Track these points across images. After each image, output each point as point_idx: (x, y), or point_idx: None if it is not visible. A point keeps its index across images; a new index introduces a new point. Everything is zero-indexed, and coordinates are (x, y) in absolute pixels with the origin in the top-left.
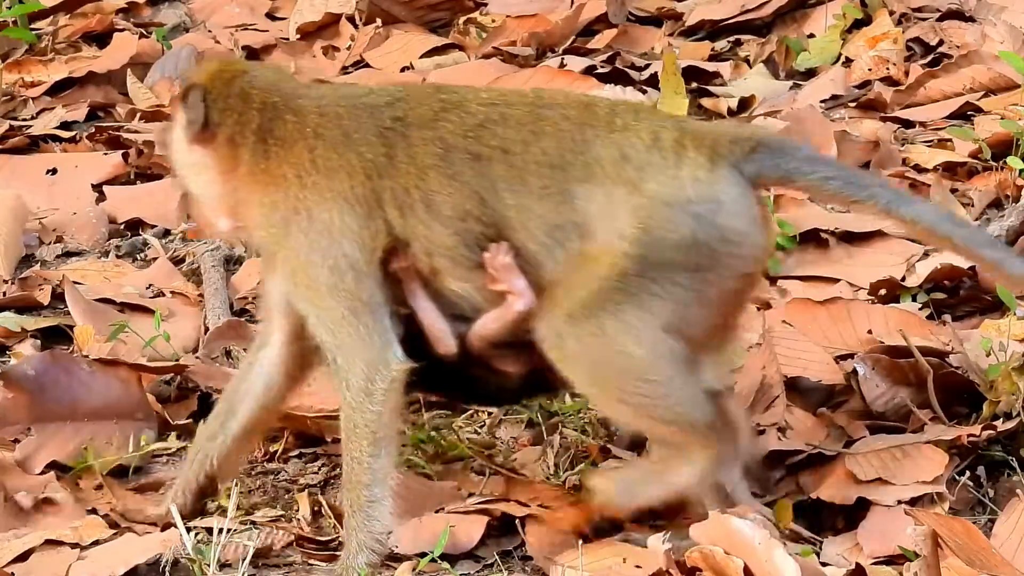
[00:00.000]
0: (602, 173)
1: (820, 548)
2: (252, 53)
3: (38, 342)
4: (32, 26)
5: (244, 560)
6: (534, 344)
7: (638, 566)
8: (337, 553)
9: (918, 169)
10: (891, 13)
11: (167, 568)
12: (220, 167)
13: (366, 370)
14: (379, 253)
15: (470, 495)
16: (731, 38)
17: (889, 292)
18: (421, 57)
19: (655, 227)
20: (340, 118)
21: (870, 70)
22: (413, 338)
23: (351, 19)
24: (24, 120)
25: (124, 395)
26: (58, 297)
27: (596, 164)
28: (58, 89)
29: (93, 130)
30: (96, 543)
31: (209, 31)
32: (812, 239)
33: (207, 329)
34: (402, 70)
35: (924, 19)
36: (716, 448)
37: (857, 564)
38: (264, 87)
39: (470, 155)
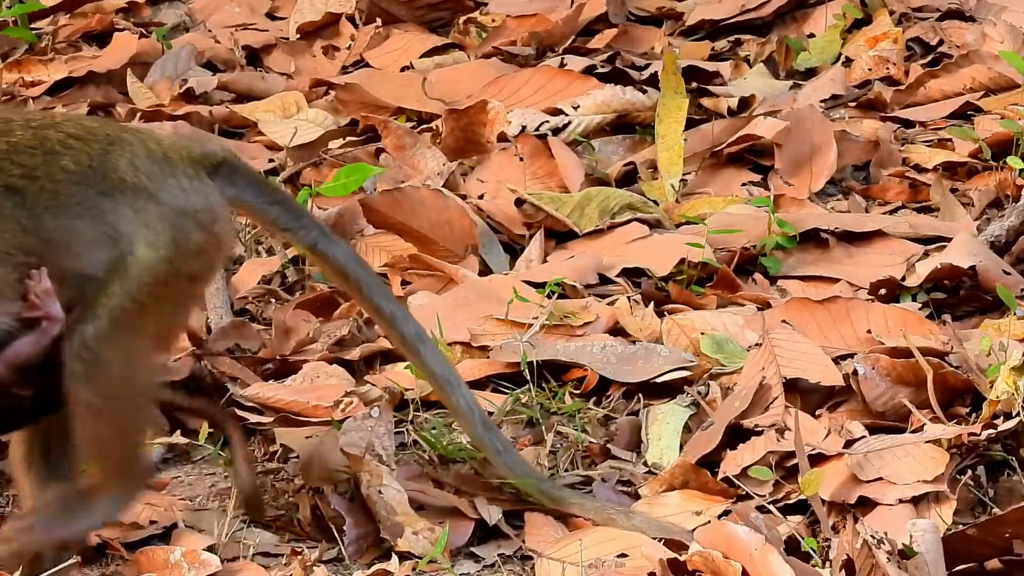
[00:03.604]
0: (122, 184)
1: (828, 544)
2: (252, 53)
3: None
4: (32, 26)
5: (245, 559)
6: (45, 365)
7: (645, 558)
8: (338, 556)
9: (918, 169)
10: (891, 13)
11: None
12: None
13: None
14: None
15: (470, 495)
16: (731, 38)
17: (889, 292)
18: (421, 57)
19: (177, 236)
20: None
21: (870, 70)
22: None
23: (351, 19)
24: None
25: None
26: None
27: (114, 175)
28: (58, 89)
29: None
30: None
31: (209, 31)
32: (812, 239)
33: (209, 330)
34: (402, 70)
35: (924, 19)
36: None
37: (848, 556)
38: None
39: (1, 189)
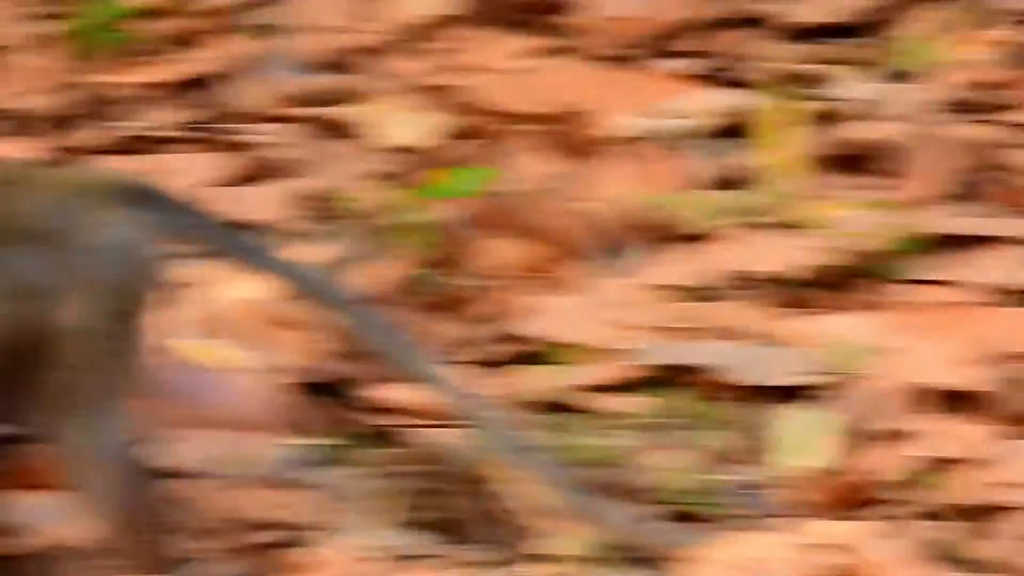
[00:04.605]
0: (31, 231)
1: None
2: (352, 55)
3: None
4: (128, 26)
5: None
6: None
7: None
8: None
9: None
10: (999, 17)
11: None
12: None
13: None
14: None
15: None
16: (832, 41)
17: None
18: (526, 59)
19: (100, 282)
20: None
21: (972, 74)
22: None
23: (454, 21)
24: (121, 123)
25: (267, 403)
26: None
27: (18, 220)
28: (156, 90)
29: (194, 132)
30: None
31: (310, 33)
32: (936, 243)
33: None
34: (507, 72)
35: None
36: None
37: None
38: None
39: None
